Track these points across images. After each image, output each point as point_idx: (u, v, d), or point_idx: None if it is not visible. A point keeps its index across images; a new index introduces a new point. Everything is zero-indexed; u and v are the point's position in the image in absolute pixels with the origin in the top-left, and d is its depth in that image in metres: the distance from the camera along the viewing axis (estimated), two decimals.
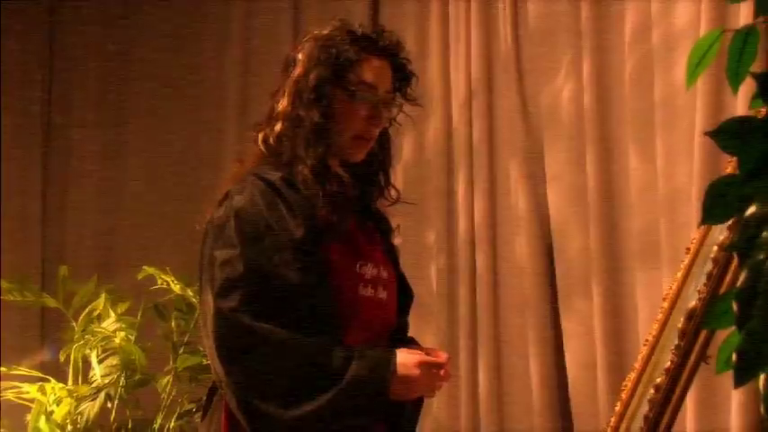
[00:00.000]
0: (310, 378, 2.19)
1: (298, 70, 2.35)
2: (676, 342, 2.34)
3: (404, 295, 2.50)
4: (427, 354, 2.34)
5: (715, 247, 2.31)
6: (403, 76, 2.41)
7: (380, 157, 2.45)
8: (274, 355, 2.19)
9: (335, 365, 2.20)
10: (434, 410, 3.74)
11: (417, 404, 2.44)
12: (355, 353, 2.23)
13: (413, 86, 2.44)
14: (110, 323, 3.58)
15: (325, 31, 2.37)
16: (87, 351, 3.57)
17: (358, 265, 2.32)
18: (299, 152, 2.30)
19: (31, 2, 4.85)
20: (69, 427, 3.49)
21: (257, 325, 2.18)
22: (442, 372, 2.31)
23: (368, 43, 2.35)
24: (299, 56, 2.36)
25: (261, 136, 2.37)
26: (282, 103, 2.35)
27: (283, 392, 2.19)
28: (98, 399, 3.49)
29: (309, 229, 2.24)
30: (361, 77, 2.33)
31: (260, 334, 2.18)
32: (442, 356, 2.33)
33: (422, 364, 2.27)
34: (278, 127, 2.34)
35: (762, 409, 1.18)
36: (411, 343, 2.45)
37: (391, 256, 2.48)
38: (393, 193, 2.49)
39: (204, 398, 2.44)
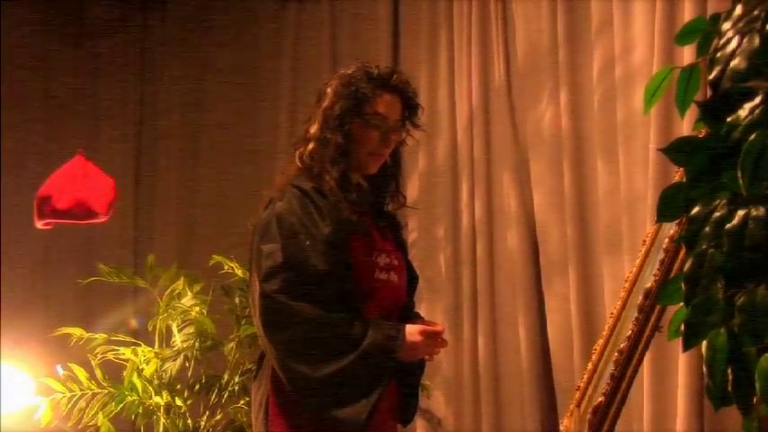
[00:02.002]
0: (334, 345, 2.18)
1: (326, 102, 2.35)
2: (636, 315, 2.33)
3: (411, 279, 2.49)
4: (428, 326, 2.35)
5: (666, 240, 2.30)
6: (411, 108, 2.40)
7: (393, 169, 2.45)
8: (305, 328, 2.18)
9: (355, 335, 2.19)
10: (444, 369, 3.74)
11: (420, 365, 2.44)
12: (371, 324, 2.22)
13: (420, 115, 2.43)
14: (187, 300, 3.59)
15: (349, 71, 2.38)
16: (169, 322, 3.58)
17: (374, 255, 2.32)
18: (326, 167, 2.31)
19: (125, 36, 4.87)
20: (156, 382, 3.50)
21: (293, 304, 2.18)
22: (439, 339, 2.31)
23: (381, 82, 2.35)
24: (328, 90, 2.37)
25: (297, 153, 2.37)
26: (314, 128, 2.36)
27: (312, 357, 2.18)
28: (178, 359, 3.50)
29: (335, 228, 2.24)
30: (375, 109, 2.33)
31: (295, 311, 2.18)
32: (439, 327, 2.32)
33: (423, 333, 2.27)
34: (310, 146, 2.35)
35: (704, 369, 1.17)
36: (416, 317, 2.45)
37: (401, 247, 2.46)
38: (401, 198, 2.49)
39: (257, 360, 2.44)
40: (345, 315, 2.21)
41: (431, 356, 2.36)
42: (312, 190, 2.28)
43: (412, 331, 2.25)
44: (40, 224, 3.48)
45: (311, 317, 2.18)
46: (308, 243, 2.22)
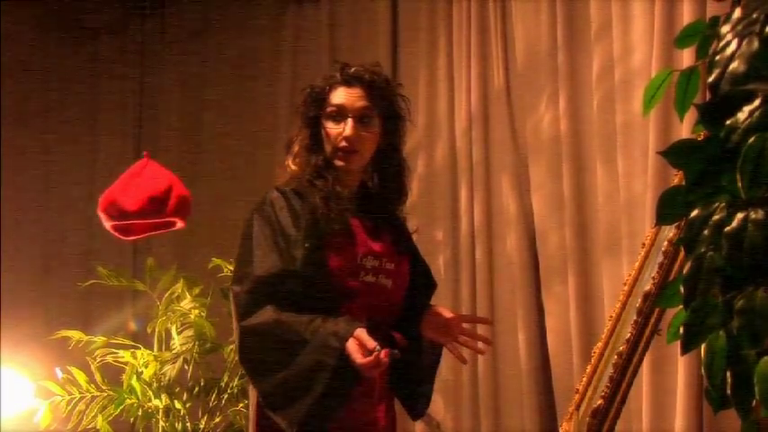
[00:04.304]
0: (284, 352, 2.14)
1: (301, 107, 2.38)
2: (635, 318, 2.33)
3: (416, 283, 2.46)
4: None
5: (665, 243, 2.30)
6: (380, 97, 2.35)
7: (392, 170, 2.42)
8: (264, 334, 2.15)
9: (306, 334, 2.13)
10: (443, 372, 3.72)
11: (433, 358, 2.43)
12: (327, 322, 2.12)
13: (397, 102, 2.38)
14: (186, 303, 3.59)
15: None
16: (169, 325, 3.58)
17: (359, 257, 2.28)
18: (302, 167, 2.33)
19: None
20: (155, 384, 3.50)
21: (256, 309, 2.16)
22: (375, 356, 2.05)
23: (334, 77, 2.34)
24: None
25: (286, 159, 2.40)
26: (292, 132, 2.40)
27: (265, 364, 2.16)
28: (177, 362, 3.50)
29: (309, 229, 2.23)
30: (332, 103, 2.32)
31: (256, 315, 2.16)
32: (371, 344, 2.05)
33: (358, 339, 2.07)
34: (291, 150, 2.39)
35: (702, 371, 1.17)
36: (423, 317, 2.42)
37: (403, 252, 2.41)
38: (402, 198, 2.44)
39: None
40: (305, 317, 2.15)
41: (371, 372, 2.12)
42: (290, 191, 2.29)
43: (355, 335, 2.09)
44: (108, 226, 3.30)
45: (268, 320, 2.15)
46: (278, 245, 2.21)
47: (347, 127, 2.30)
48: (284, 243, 2.21)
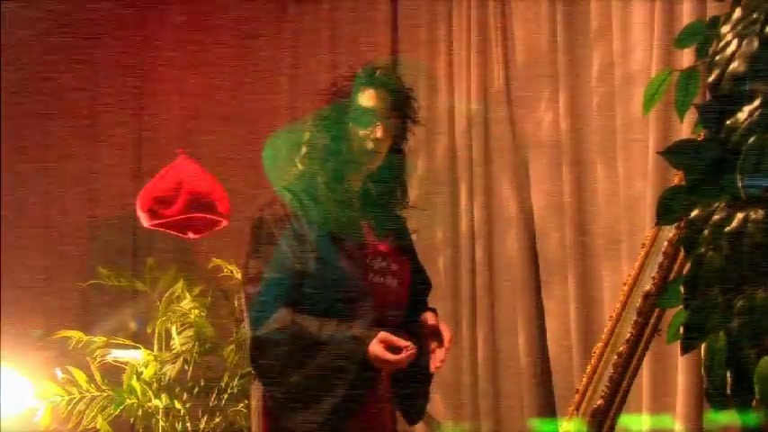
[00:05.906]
0: (299, 356, 2.15)
1: (319, 105, 2.39)
2: (635, 318, 2.33)
3: (416, 284, 2.46)
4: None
5: (665, 243, 2.30)
6: (401, 101, 2.37)
7: (397, 172, 2.42)
8: (278, 338, 2.16)
9: (318, 337, 2.15)
10: (442, 371, 3.72)
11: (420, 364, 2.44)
12: (342, 326, 2.16)
13: (414, 107, 2.40)
14: (186, 303, 3.59)
15: (342, 72, 2.41)
16: (169, 325, 3.58)
17: (368, 258, 2.30)
18: (317, 169, 2.32)
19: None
20: (155, 385, 3.50)
21: (269, 311, 2.17)
22: (404, 353, 2.13)
23: (361, 79, 2.34)
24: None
25: (296, 158, 2.39)
26: (306, 132, 2.38)
27: (278, 368, 2.17)
28: (177, 362, 3.50)
29: (321, 230, 2.24)
30: (358, 105, 2.32)
31: (269, 319, 2.17)
32: (403, 342, 2.14)
33: (384, 342, 2.13)
34: (303, 150, 2.37)
35: (702, 371, 1.17)
36: (424, 323, 2.43)
37: (405, 253, 2.43)
38: (405, 202, 2.46)
39: None
40: (317, 320, 2.17)
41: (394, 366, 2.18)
42: (303, 192, 2.29)
43: (380, 338, 2.13)
44: (149, 224, 3.57)
45: (280, 325, 2.16)
46: (291, 246, 2.21)
47: (378, 130, 2.30)
48: (296, 244, 2.21)
